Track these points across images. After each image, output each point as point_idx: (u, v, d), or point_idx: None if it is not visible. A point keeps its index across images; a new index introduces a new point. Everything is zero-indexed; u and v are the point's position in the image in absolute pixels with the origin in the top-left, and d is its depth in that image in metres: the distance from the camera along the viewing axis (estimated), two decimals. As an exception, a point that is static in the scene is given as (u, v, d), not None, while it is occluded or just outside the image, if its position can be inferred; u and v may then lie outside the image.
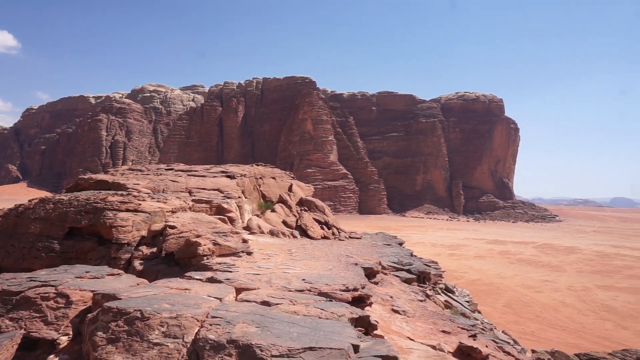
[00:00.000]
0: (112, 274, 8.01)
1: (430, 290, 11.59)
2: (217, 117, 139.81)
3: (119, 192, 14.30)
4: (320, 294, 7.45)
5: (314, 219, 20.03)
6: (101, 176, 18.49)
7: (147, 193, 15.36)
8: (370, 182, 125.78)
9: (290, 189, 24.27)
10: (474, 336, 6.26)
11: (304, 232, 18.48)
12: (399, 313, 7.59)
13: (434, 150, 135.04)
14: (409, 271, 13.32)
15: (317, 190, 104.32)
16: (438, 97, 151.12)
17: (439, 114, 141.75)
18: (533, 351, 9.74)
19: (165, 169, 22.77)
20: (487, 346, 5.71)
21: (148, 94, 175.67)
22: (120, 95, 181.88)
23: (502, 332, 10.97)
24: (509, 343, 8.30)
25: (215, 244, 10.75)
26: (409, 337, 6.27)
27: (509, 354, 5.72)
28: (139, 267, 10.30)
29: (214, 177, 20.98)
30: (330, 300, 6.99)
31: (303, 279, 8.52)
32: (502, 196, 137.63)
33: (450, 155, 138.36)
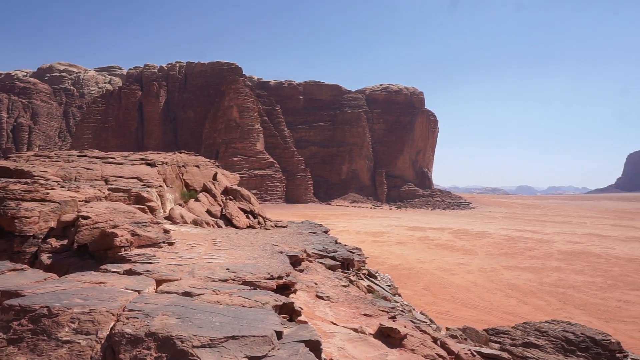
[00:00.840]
0: (15, 269, 7.32)
1: (353, 276, 11.98)
2: (137, 101, 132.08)
3: (23, 180, 13.09)
4: (245, 282, 7.39)
5: (239, 208, 19.76)
6: (1, 162, 16.79)
7: (56, 181, 14.21)
8: (297, 171, 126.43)
9: (214, 177, 23.69)
10: (393, 318, 6.57)
11: (229, 222, 18.17)
12: (323, 299, 7.77)
13: (359, 140, 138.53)
14: (333, 258, 13.64)
15: (244, 179, 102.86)
16: (363, 89, 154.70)
17: (364, 105, 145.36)
18: (447, 329, 10.43)
19: (78, 156, 21.18)
20: (405, 326, 6.02)
21: (57, 74, 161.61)
22: (24, 73, 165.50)
23: (420, 312, 11.64)
24: (426, 322, 8.84)
25: (134, 234, 10.23)
26: (332, 322, 6.44)
27: (425, 332, 6.09)
28: (48, 261, 9.53)
29: (133, 164, 19.91)
30: (255, 289, 6.96)
31: (227, 269, 8.39)
32: (422, 185, 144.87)
33: (374, 145, 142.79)
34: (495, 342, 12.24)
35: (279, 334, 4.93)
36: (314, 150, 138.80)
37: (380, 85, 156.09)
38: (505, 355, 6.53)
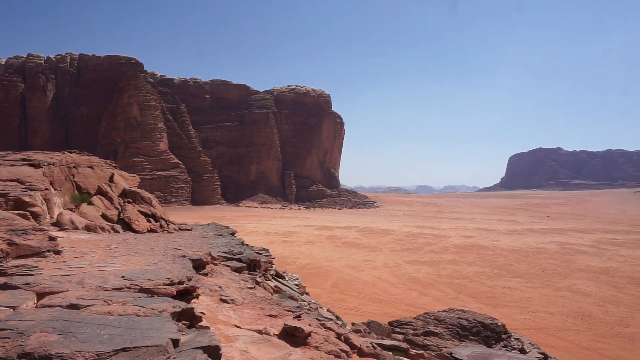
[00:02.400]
0: None
1: (260, 277, 11.80)
2: (19, 95, 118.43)
3: None
4: (142, 290, 6.87)
5: (139, 211, 18.54)
6: None
7: None
8: (204, 172, 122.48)
9: (111, 179, 21.98)
10: (298, 317, 6.53)
11: (127, 226, 16.96)
12: (227, 302, 7.50)
13: (268, 141, 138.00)
14: (239, 260, 13.33)
15: (146, 180, 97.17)
16: (271, 89, 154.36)
17: (272, 106, 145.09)
18: (352, 324, 10.68)
19: (-58, 156, 18.38)
20: (310, 324, 6.01)
21: None
22: None
23: (327, 310, 11.81)
24: (331, 319, 8.97)
25: (10, 243, 9.10)
26: (235, 325, 6.22)
27: (330, 329, 6.13)
28: None
29: (12, 165, 17.74)
30: (152, 296, 6.50)
31: (122, 276, 7.76)
32: (329, 185, 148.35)
33: (283, 146, 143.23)
34: (399, 333, 12.81)
35: (176, 342, 4.62)
36: (221, 150, 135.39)
37: (288, 86, 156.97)
38: (404, 345, 6.83)
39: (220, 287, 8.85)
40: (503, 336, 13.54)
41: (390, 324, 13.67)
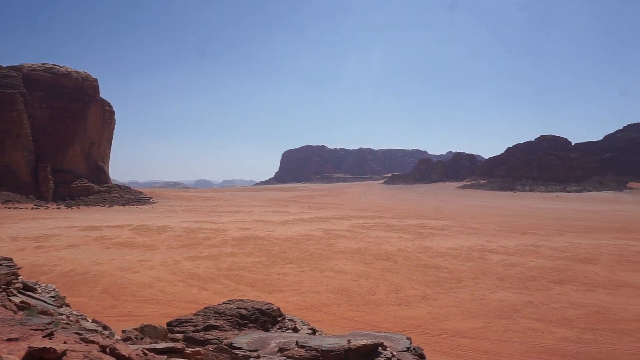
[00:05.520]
0: None
1: (1, 294, 9.52)
2: None
3: None
4: None
5: None
6: None
7: None
8: None
9: None
10: (50, 335, 5.45)
11: None
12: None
13: (15, 128, 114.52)
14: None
15: None
16: (19, 65, 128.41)
17: (20, 85, 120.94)
18: (123, 331, 9.67)
19: None
20: (66, 341, 5.07)
21: None
22: None
23: (93, 320, 10.41)
24: (96, 331, 7.87)
25: None
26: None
27: (92, 342, 5.32)
28: None
29: None
30: None
31: None
32: (97, 180, 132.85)
33: (36, 134, 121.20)
34: (179, 332, 12.28)
35: None
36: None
37: (44, 64, 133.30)
38: (179, 345, 6.49)
39: None
40: (279, 319, 14.41)
41: (169, 324, 12.98)
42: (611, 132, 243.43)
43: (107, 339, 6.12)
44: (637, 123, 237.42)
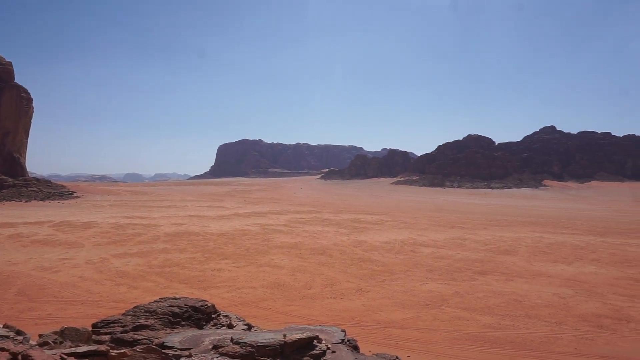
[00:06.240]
0: None
1: None
2: None
3: None
4: None
5: None
6: None
7: None
8: None
9: None
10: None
11: None
12: None
13: None
14: None
15: None
16: None
17: None
18: (40, 336, 9.02)
19: None
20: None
21: None
22: None
23: (4, 325, 9.57)
24: (7, 337, 7.21)
25: None
26: None
27: (2, 349, 4.89)
28: None
29: None
30: None
31: None
32: (12, 173, 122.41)
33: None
34: (106, 333, 11.69)
35: None
36: None
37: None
38: (103, 348, 6.15)
39: None
40: (213, 316, 14.14)
41: (94, 325, 12.31)
42: (529, 134, 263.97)
43: (21, 344, 5.63)
44: (551, 126, 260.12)
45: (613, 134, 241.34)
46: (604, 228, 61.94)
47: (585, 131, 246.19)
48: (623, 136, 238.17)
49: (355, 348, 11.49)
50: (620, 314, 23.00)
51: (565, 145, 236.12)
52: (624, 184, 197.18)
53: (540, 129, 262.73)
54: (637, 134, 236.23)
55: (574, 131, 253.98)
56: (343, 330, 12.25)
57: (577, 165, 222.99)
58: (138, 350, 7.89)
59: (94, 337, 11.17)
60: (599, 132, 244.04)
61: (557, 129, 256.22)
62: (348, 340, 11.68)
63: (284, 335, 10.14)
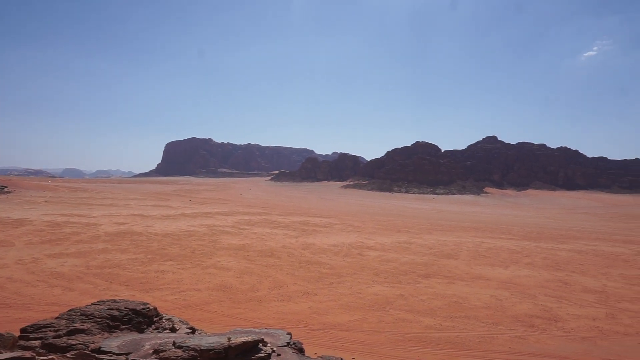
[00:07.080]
0: None
1: None
2: None
3: None
4: None
5: None
6: None
7: None
8: None
9: None
10: None
11: None
12: None
13: None
14: None
15: None
16: None
17: None
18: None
19: None
20: None
21: None
22: None
23: None
24: None
25: None
26: None
27: None
28: None
29: None
30: None
31: None
32: None
33: None
34: (36, 338, 10.96)
35: None
36: None
37: None
38: (28, 354, 5.75)
39: None
40: (155, 319, 13.65)
41: (23, 330, 11.51)
42: (473, 143, 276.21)
43: None
44: (493, 136, 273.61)
45: (547, 145, 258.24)
46: (537, 234, 65.74)
47: (523, 142, 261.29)
48: (556, 148, 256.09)
49: (300, 351, 11.48)
50: (550, 314, 24.49)
51: (505, 155, 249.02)
52: (556, 192, 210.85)
53: (483, 139, 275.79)
54: (569, 147, 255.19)
55: (514, 141, 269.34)
56: (289, 333, 12.21)
57: (515, 174, 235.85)
58: (69, 356, 7.44)
59: (22, 342, 10.45)
60: (535, 143, 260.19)
61: (499, 139, 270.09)
62: (294, 343, 11.66)
63: (229, 339, 9.96)
